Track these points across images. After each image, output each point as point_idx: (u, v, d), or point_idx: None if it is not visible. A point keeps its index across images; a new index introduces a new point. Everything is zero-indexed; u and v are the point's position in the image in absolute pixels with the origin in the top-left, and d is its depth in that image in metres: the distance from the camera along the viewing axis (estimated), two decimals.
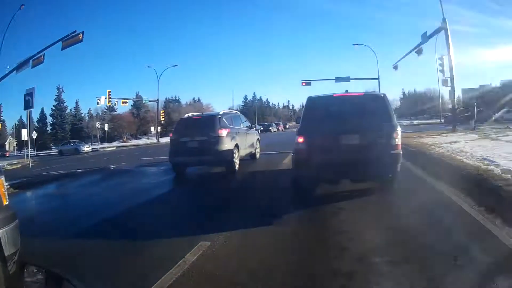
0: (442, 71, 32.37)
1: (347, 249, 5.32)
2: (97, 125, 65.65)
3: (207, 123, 14.98)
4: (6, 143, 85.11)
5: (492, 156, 11.64)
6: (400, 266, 4.65)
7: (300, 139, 8.86)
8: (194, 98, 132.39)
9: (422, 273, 4.45)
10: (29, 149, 25.17)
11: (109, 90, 58.20)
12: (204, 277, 4.81)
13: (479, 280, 4.24)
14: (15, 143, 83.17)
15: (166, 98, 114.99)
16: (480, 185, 8.40)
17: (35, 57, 33.01)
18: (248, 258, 5.31)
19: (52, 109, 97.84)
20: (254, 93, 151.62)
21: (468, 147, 15.28)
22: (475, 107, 33.53)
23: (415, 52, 38.17)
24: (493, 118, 47.02)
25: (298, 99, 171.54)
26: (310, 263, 4.94)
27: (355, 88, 75.15)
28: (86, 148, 54.03)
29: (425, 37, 34.83)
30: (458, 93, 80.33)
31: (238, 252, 5.66)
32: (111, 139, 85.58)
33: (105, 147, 59.08)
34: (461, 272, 4.42)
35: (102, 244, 6.57)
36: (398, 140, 8.60)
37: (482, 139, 18.98)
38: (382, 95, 9.78)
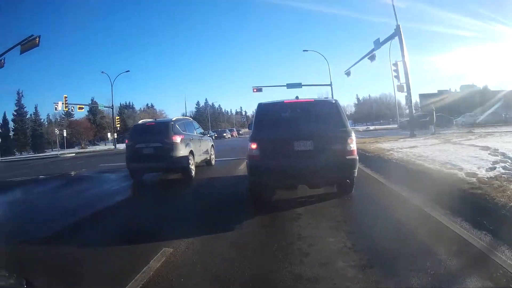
0: (397, 77, 32.96)
1: (309, 254, 5.36)
2: (56, 131, 64.32)
3: (161, 129, 14.99)
4: None
5: (455, 160, 11.60)
6: (364, 270, 4.67)
7: (253, 146, 8.76)
8: (147, 104, 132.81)
9: (387, 277, 4.51)
10: None
11: (66, 96, 57.27)
12: (169, 283, 4.79)
13: (446, 282, 4.36)
14: None
15: (120, 104, 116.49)
16: (443, 189, 8.45)
17: None
18: (211, 264, 5.31)
19: (14, 114, 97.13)
20: (206, 99, 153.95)
21: (428, 151, 15.24)
22: (434, 112, 33.49)
23: (368, 58, 38.77)
24: (454, 123, 47.63)
25: (250, 106, 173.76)
26: (272, 268, 4.94)
27: (309, 94, 75.49)
28: None
29: (378, 43, 35.39)
30: (415, 98, 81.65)
31: (200, 258, 5.64)
32: (70, 145, 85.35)
33: (64, 153, 57.86)
34: (427, 274, 4.46)
35: (66, 252, 6.40)
36: (353, 146, 8.64)
37: (443, 144, 18.93)
38: (334, 101, 9.77)
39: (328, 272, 4.71)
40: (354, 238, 5.97)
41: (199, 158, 16.49)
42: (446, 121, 46.80)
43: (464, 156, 12.39)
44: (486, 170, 9.52)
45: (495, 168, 9.70)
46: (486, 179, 8.37)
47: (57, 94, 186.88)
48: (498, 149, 13.07)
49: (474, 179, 8.53)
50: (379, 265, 4.81)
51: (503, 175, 8.66)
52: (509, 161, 10.43)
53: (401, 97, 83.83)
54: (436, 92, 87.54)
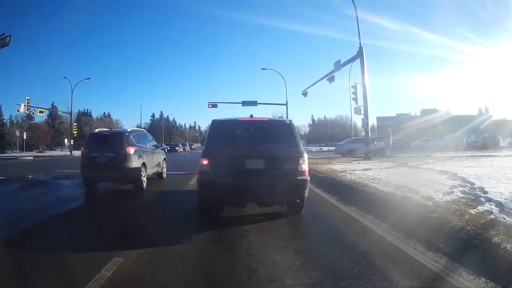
0: (355, 99, 32.67)
1: (257, 271, 5.35)
2: (16, 133, 63.38)
3: (115, 139, 14.93)
4: None
5: (410, 184, 11.50)
6: None
7: (205, 161, 8.74)
8: (104, 113, 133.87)
9: None
10: None
11: (28, 98, 56.65)
12: None
13: None
14: None
15: (79, 111, 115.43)
16: (397, 212, 8.41)
17: None
18: (160, 276, 5.24)
19: None
20: (161, 112, 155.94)
21: (383, 174, 15.28)
22: (391, 135, 33.25)
23: (327, 79, 38.69)
24: (412, 146, 47.77)
25: (204, 121, 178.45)
26: (221, 284, 4.95)
27: (263, 113, 75.63)
28: None
29: (339, 65, 35.34)
30: (372, 121, 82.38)
31: (150, 269, 5.57)
32: (29, 148, 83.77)
33: (23, 156, 56.96)
34: None
35: (16, 257, 6.22)
36: (305, 166, 8.69)
37: (399, 167, 19.21)
38: (288, 121, 9.80)
39: None
40: (302, 257, 5.97)
41: (151, 170, 16.45)
42: (403, 144, 46.95)
43: (420, 180, 12.37)
44: (444, 194, 9.53)
45: (453, 192, 9.70)
46: (443, 203, 8.39)
47: (21, 96, 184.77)
48: (457, 173, 13.19)
49: (430, 203, 8.53)
50: (328, 284, 4.87)
51: (461, 199, 8.70)
52: (469, 185, 10.50)
53: (357, 119, 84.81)
54: (395, 115, 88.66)
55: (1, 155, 69.57)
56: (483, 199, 8.41)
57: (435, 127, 61.05)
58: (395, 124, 58.21)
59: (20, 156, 55.47)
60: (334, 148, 50.35)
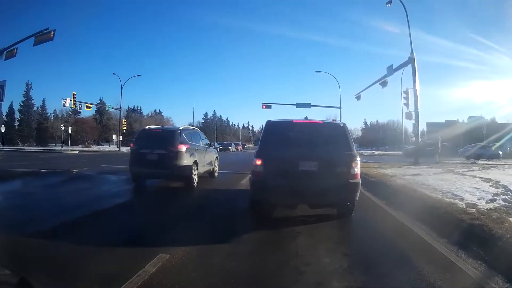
0: (406, 104, 32.84)
1: (305, 273, 5.32)
2: (61, 127, 63.90)
3: (167, 137, 14.99)
4: None
5: (456, 190, 11.62)
6: None
7: (258, 162, 8.77)
8: (155, 110, 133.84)
9: None
10: None
11: (75, 93, 57.02)
12: None
13: None
14: None
15: (128, 107, 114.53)
16: (442, 218, 8.53)
17: (9, 49, 32.28)
18: (207, 274, 5.29)
19: (20, 105, 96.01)
20: (214, 111, 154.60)
21: (431, 180, 15.26)
22: (440, 141, 33.50)
23: (380, 84, 38.38)
24: (459, 153, 47.45)
25: (258, 121, 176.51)
26: (268, 284, 4.98)
27: (316, 115, 75.17)
28: None
29: (391, 70, 35.00)
30: (422, 127, 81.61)
31: (196, 267, 5.60)
32: (74, 142, 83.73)
33: (68, 150, 57.19)
34: None
35: (61, 249, 6.39)
36: (357, 170, 8.70)
37: (446, 173, 19.05)
38: (342, 124, 9.73)
39: None
40: (350, 260, 5.96)
41: (202, 168, 16.46)
42: (451, 151, 46.70)
43: (465, 187, 12.44)
44: (486, 202, 9.58)
45: (495, 200, 9.75)
46: (486, 211, 8.41)
47: (66, 90, 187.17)
48: (499, 182, 13.19)
49: (473, 210, 8.56)
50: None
51: (502, 207, 8.73)
52: (510, 193, 10.52)
53: (408, 125, 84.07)
54: (444, 122, 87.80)
55: (44, 148, 70.94)
56: None
57: (481, 135, 60.21)
58: (443, 130, 57.82)
59: (65, 150, 55.93)
60: (390, 152, 50.29)
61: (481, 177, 15.46)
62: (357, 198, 8.88)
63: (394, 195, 12.37)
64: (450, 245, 6.83)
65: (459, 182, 14.18)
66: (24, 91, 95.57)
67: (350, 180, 8.54)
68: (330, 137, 9.23)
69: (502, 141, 52.83)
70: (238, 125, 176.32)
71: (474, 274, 5.43)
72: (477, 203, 9.37)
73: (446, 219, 8.33)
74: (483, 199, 10.03)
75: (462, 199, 9.99)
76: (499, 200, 9.77)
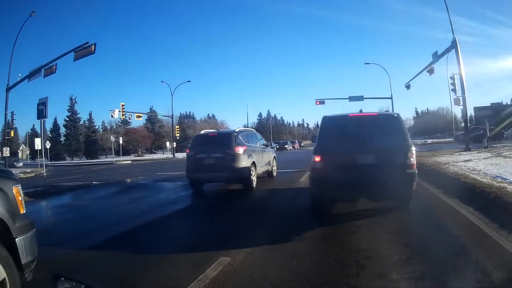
0: (453, 90, 32.38)
1: (365, 267, 5.40)
2: (111, 138, 65.38)
3: (224, 140, 15.11)
4: (19, 151, 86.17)
5: (505, 174, 11.73)
6: (417, 283, 4.74)
7: (317, 158, 8.91)
8: (208, 114, 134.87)
9: None
10: (43, 158, 25.28)
11: (123, 104, 58.04)
12: None
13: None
14: (28, 152, 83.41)
15: (180, 114, 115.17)
16: (493, 201, 8.60)
17: (47, 66, 33.31)
18: (269, 275, 5.34)
19: (65, 120, 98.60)
20: (268, 111, 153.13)
21: (481, 165, 15.38)
22: (487, 126, 33.56)
23: (427, 71, 38.33)
24: (505, 136, 47.02)
25: (312, 118, 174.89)
26: (330, 279, 4.99)
27: (369, 107, 74.97)
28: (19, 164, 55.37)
29: (436, 57, 34.98)
30: (470, 112, 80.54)
31: (258, 268, 5.65)
32: (126, 152, 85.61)
33: (119, 160, 58.76)
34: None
35: (121, 258, 6.62)
36: (413, 160, 8.67)
37: (495, 157, 19.06)
38: (396, 115, 9.75)
39: (382, 284, 4.84)
40: (409, 251, 6.01)
41: (260, 169, 16.49)
42: (498, 134, 46.14)
43: None
44: None
45: None
46: None
47: (113, 102, 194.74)
48: None
49: None
50: (433, 278, 4.88)
51: None
52: None
53: (457, 111, 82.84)
54: (490, 105, 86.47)
55: (94, 160, 72.27)
56: None
57: None
58: (490, 114, 57.25)
59: (116, 161, 57.09)
60: (442, 139, 49.87)
61: None
62: (414, 188, 8.83)
63: (448, 183, 12.39)
64: (501, 229, 6.79)
65: (507, 166, 14.33)
66: (69, 105, 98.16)
67: (407, 171, 8.54)
68: (386, 129, 9.25)
69: None
70: (293, 123, 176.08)
71: None
72: None
73: (498, 204, 8.33)
74: None
75: (511, 183, 10.05)
76: None
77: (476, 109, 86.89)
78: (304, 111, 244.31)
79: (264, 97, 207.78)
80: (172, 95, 70.34)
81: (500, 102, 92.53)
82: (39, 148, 36.19)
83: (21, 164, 64.00)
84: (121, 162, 54.07)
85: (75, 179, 24.17)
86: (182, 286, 4.88)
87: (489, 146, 29.90)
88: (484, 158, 19.08)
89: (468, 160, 18.45)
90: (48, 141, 51.27)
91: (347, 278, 4.98)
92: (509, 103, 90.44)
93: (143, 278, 5.46)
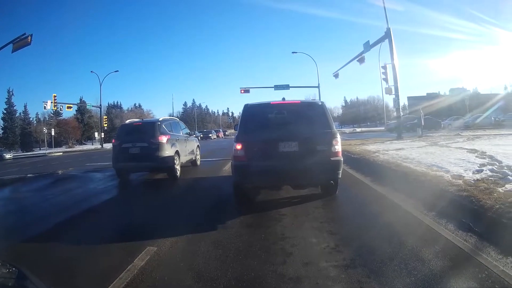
0: (385, 79, 32.94)
1: (292, 254, 5.39)
2: (44, 130, 63.81)
3: (147, 129, 15.11)
4: None
5: (441, 163, 11.62)
6: (347, 271, 4.70)
7: (239, 146, 8.80)
8: (135, 104, 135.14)
9: (370, 277, 4.50)
10: None
11: (55, 95, 57.25)
12: (153, 281, 4.81)
13: (430, 283, 4.34)
14: None
15: (108, 104, 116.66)
16: (428, 191, 8.50)
17: None
18: (195, 263, 5.28)
19: (3, 113, 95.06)
20: (193, 100, 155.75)
21: (415, 154, 15.34)
22: (422, 115, 33.88)
23: (357, 60, 39.13)
24: (442, 125, 47.75)
25: (237, 107, 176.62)
26: (256, 267, 4.95)
27: (295, 96, 75.19)
28: (7, 155, 52.61)
29: (368, 46, 35.64)
30: (403, 101, 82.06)
31: (184, 256, 5.65)
32: (57, 144, 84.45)
33: (52, 152, 57.59)
34: (410, 275, 4.50)
35: (52, 249, 6.46)
36: (338, 147, 8.68)
37: (430, 146, 19.05)
38: (320, 103, 9.74)
39: (311, 272, 4.74)
40: (337, 239, 5.99)
41: (184, 158, 16.63)
42: (434, 123, 47.02)
43: (451, 159, 12.41)
44: (473, 173, 9.54)
45: (482, 170, 9.70)
46: (473, 182, 8.39)
47: (46, 93, 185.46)
48: (485, 152, 13.14)
49: (460, 181, 8.54)
50: (362, 265, 4.82)
51: (490, 178, 8.67)
52: (497, 164, 10.44)
53: (389, 100, 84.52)
54: (425, 95, 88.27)
55: (29, 153, 70.08)
56: (511, 177, 8.38)
57: (464, 106, 60.54)
58: (425, 104, 58.15)
59: (49, 153, 56.07)
60: (372, 128, 50.92)
61: (466, 148, 15.49)
62: (340, 176, 8.86)
63: (378, 171, 12.50)
64: (438, 218, 6.85)
65: (443, 155, 14.19)
66: (6, 98, 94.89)
67: (332, 158, 8.54)
68: (309, 116, 9.21)
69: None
70: (217, 112, 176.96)
71: (464, 246, 5.41)
72: (463, 175, 9.33)
73: (433, 191, 8.31)
74: (469, 170, 9.97)
75: (447, 171, 9.96)
76: (486, 170, 9.68)
77: (410, 98, 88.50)
78: (229, 100, 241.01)
79: (190, 86, 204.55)
80: (100, 85, 69.63)
81: (437, 92, 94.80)
82: None
83: None
84: (53, 154, 53.10)
85: (11, 173, 23.69)
86: (112, 276, 4.82)
87: (424, 135, 30.21)
88: (418, 147, 19.07)
89: (400, 149, 18.45)
90: None
91: (273, 266, 4.98)
92: (447, 93, 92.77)
93: (73, 268, 5.39)
